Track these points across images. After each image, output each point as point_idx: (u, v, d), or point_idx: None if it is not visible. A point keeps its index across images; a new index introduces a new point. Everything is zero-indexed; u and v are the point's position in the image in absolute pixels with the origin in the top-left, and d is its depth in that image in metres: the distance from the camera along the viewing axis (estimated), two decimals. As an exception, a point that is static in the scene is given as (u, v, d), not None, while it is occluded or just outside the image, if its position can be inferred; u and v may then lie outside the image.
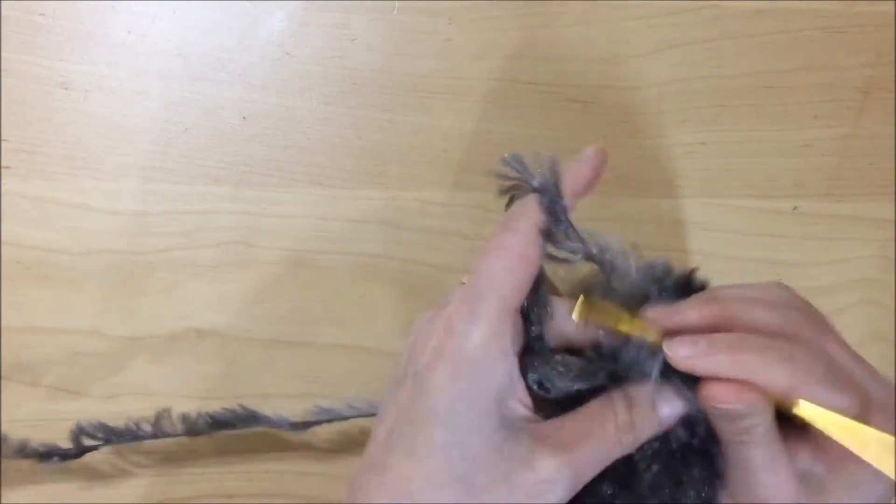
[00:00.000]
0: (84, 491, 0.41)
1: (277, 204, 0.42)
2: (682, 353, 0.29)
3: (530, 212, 0.30)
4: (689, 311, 0.30)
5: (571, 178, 0.31)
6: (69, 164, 0.41)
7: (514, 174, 0.30)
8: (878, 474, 0.28)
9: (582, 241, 0.31)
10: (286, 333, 0.42)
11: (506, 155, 0.30)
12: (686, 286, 0.32)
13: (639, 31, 0.43)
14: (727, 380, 0.28)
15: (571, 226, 0.30)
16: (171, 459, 0.42)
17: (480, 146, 0.42)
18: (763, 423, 0.29)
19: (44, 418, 0.40)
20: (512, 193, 0.31)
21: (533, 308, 0.31)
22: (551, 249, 0.31)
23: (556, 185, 0.30)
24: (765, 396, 0.28)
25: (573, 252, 0.30)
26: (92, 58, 0.41)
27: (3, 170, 0.40)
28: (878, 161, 0.44)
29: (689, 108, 0.43)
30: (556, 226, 0.30)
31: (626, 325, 0.31)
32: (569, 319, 0.32)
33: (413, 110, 0.42)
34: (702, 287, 0.33)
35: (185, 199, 0.41)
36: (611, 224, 0.43)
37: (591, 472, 0.29)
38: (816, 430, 0.29)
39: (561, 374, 0.31)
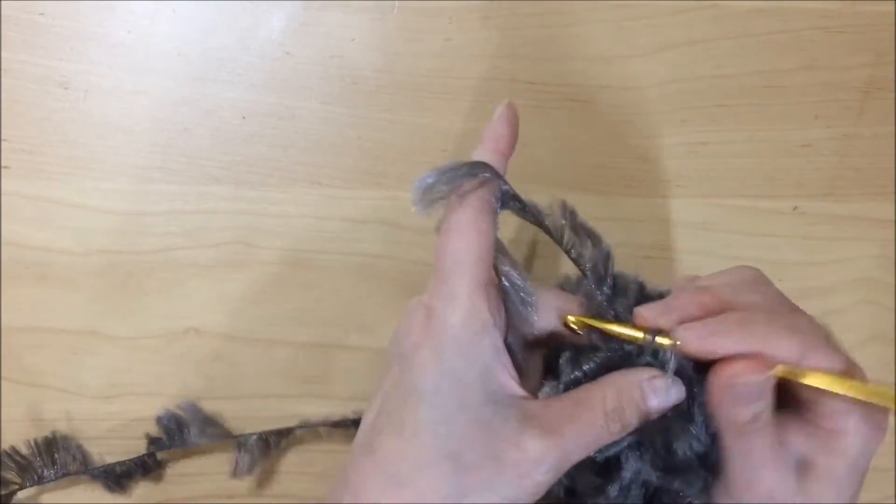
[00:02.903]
0: (84, 491, 0.41)
1: (277, 204, 0.42)
2: (693, 336, 0.30)
3: (471, 187, 0.31)
4: (686, 304, 0.31)
5: (493, 139, 0.32)
6: (69, 164, 0.41)
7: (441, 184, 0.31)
8: (866, 438, 0.29)
9: (528, 205, 0.32)
10: (286, 333, 0.42)
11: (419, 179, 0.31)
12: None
13: (639, 31, 0.43)
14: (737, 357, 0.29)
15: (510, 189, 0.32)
16: (170, 459, 0.42)
17: (480, 146, 0.42)
18: (768, 408, 0.29)
19: (44, 418, 0.40)
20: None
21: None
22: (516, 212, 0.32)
23: (483, 163, 0.31)
24: (774, 369, 0.29)
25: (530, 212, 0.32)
26: (91, 57, 0.41)
27: (3, 170, 0.40)
28: (878, 161, 0.44)
29: (689, 108, 0.43)
30: (500, 192, 0.31)
31: (620, 328, 0.31)
32: (553, 313, 0.33)
33: (413, 110, 0.42)
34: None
35: (185, 199, 0.41)
36: (611, 224, 0.43)
37: (577, 455, 0.29)
38: (809, 409, 0.30)
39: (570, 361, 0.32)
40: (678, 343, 0.30)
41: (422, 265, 0.42)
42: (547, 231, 0.33)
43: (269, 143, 0.42)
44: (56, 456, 0.39)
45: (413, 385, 0.29)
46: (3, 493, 0.39)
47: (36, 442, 0.40)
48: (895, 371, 0.45)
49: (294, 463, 0.42)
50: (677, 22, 0.43)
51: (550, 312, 0.33)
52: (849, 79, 0.44)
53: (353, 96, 0.42)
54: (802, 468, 0.30)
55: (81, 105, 0.41)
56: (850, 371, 0.29)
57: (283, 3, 0.41)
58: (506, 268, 0.32)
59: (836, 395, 0.28)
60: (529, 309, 0.32)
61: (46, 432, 0.40)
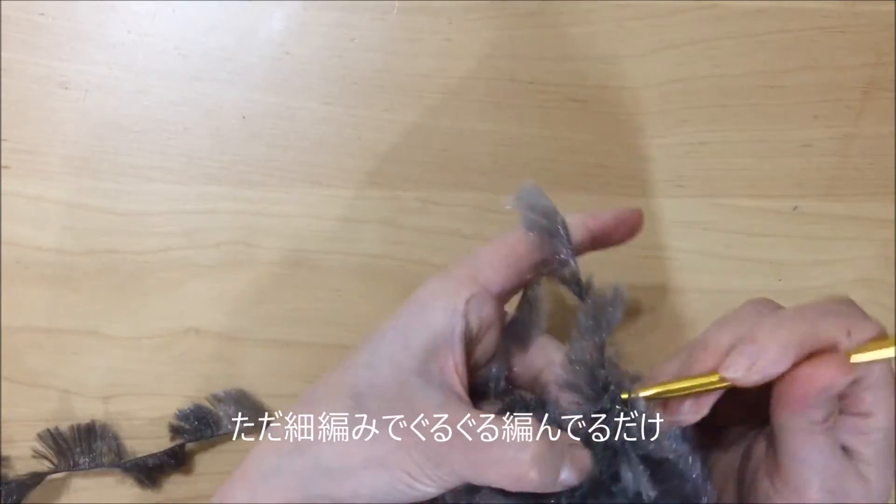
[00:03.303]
0: (84, 491, 0.41)
1: (277, 204, 0.42)
2: (742, 366, 0.27)
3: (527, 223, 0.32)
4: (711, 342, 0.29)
5: (591, 214, 0.33)
6: (69, 164, 0.41)
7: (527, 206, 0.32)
8: (892, 411, 0.28)
9: (576, 269, 0.31)
10: (286, 333, 0.42)
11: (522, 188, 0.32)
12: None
13: (639, 31, 0.43)
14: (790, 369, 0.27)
15: (568, 241, 0.32)
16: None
17: (480, 146, 0.42)
18: (836, 405, 0.28)
19: (44, 418, 0.40)
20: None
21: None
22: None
23: (562, 219, 0.32)
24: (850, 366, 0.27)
25: (562, 265, 0.32)
26: (91, 57, 0.41)
27: (3, 170, 0.40)
28: (878, 161, 0.44)
29: (689, 108, 0.43)
30: (553, 238, 0.31)
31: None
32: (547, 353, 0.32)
33: (413, 110, 0.42)
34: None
35: (185, 199, 0.41)
36: (611, 224, 0.43)
37: (469, 477, 0.28)
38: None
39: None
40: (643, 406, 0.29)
41: (422, 265, 0.42)
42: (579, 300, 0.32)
43: (269, 143, 0.42)
44: (94, 445, 0.40)
45: (372, 333, 0.31)
46: (37, 472, 0.39)
47: (78, 427, 0.40)
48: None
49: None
50: (677, 22, 0.43)
51: (541, 355, 0.32)
52: (849, 79, 0.44)
53: (353, 96, 0.42)
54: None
55: (81, 105, 0.41)
56: (884, 331, 0.28)
57: (283, 3, 0.41)
58: (530, 294, 0.33)
59: (863, 377, 0.28)
60: (526, 341, 0.32)
61: (86, 420, 0.40)
